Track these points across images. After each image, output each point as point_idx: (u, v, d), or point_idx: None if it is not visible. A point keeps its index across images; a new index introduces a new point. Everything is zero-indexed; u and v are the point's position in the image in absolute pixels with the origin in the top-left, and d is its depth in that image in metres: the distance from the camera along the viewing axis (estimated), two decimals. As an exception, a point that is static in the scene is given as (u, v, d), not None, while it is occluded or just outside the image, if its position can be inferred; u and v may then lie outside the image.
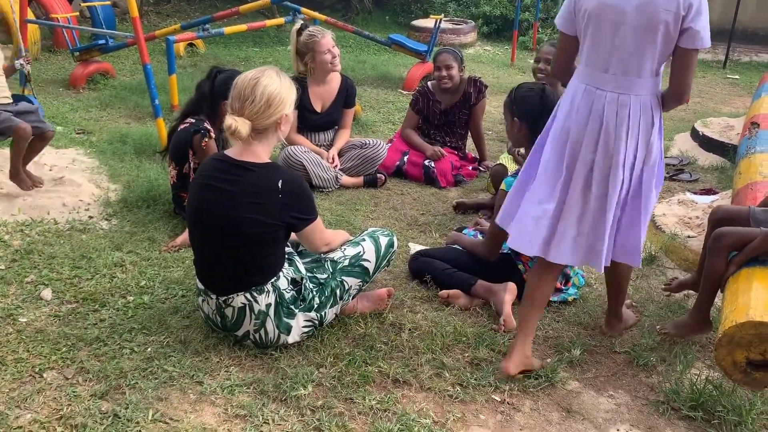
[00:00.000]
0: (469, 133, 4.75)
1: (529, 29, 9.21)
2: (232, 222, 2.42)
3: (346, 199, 4.11)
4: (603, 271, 2.48)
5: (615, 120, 2.27)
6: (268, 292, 2.50)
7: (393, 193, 4.28)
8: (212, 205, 2.45)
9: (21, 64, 4.11)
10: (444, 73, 4.44)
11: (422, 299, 3.02)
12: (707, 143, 5.11)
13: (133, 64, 7.00)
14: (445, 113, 4.55)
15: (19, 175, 3.72)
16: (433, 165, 4.39)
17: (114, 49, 6.13)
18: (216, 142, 3.39)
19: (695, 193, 4.31)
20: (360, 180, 4.32)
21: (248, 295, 2.49)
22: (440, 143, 4.59)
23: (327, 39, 4.16)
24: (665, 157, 5.01)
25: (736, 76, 8.18)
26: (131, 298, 2.88)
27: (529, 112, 2.87)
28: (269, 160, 2.49)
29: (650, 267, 3.42)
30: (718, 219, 2.82)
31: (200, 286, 2.59)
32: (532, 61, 8.31)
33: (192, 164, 3.40)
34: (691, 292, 3.06)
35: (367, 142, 4.38)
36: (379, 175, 4.35)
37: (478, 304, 2.97)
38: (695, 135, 5.30)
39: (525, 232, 2.42)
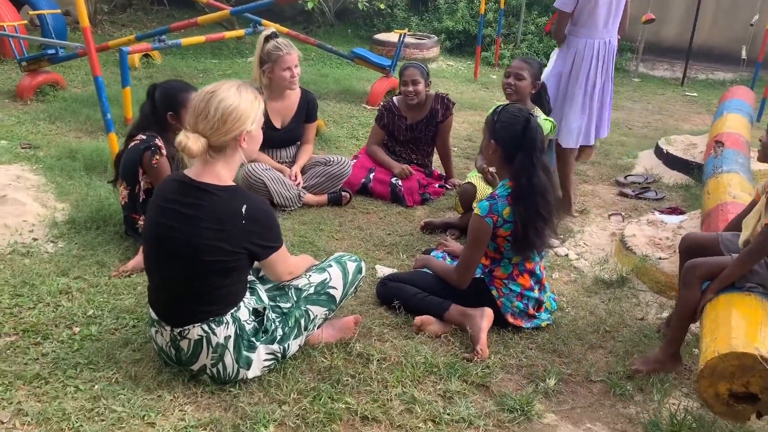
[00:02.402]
0: (436, 151, 4.65)
1: (492, 45, 9.21)
2: (191, 249, 2.24)
3: (309, 219, 3.95)
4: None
5: (608, 54, 4.00)
6: (228, 323, 2.33)
7: (358, 212, 4.13)
8: (170, 230, 2.27)
9: None
10: (410, 88, 4.33)
11: (391, 326, 2.88)
12: (671, 161, 5.12)
13: (85, 75, 6.71)
14: (410, 129, 4.44)
15: None
16: (400, 183, 4.27)
17: (64, 59, 5.85)
18: (170, 160, 3.20)
19: (662, 212, 4.28)
20: (324, 198, 4.17)
21: (206, 327, 2.31)
22: (406, 160, 4.48)
23: (292, 57, 4.00)
24: (630, 175, 5.03)
25: (695, 94, 8.31)
26: (77, 329, 2.66)
27: (509, 139, 2.76)
28: (232, 183, 2.32)
29: (622, 289, 3.35)
30: (687, 248, 2.77)
31: (153, 316, 2.40)
32: (494, 77, 8.32)
33: (143, 184, 3.21)
34: (664, 316, 3.00)
35: (332, 159, 4.24)
36: (343, 193, 4.21)
37: (450, 331, 2.84)
38: (659, 153, 5.31)
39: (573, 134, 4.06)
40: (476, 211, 2.77)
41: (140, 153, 3.16)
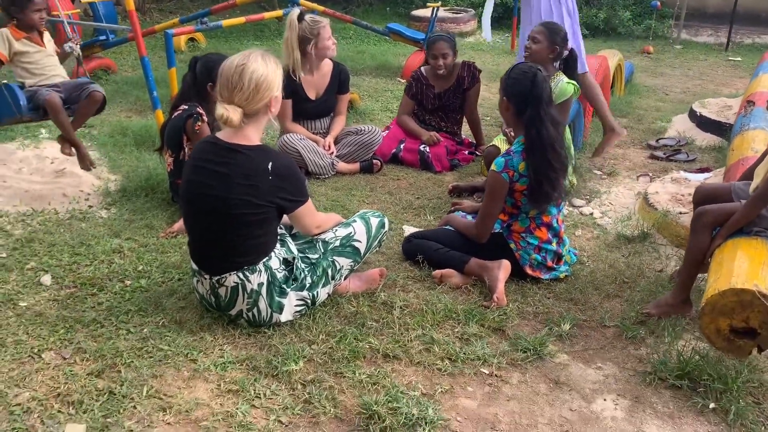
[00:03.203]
0: (465, 119, 4.77)
1: (530, 16, 9.19)
2: (224, 203, 2.46)
3: (342, 185, 4.15)
4: None
5: None
6: (260, 271, 2.55)
7: (389, 179, 4.31)
8: (204, 187, 2.50)
9: (71, 47, 4.15)
10: (440, 62, 4.46)
11: (415, 279, 3.06)
12: (705, 123, 5.11)
13: (134, 59, 7.06)
14: (438, 97, 4.58)
15: (67, 140, 3.85)
16: (428, 150, 4.43)
17: (115, 44, 6.21)
18: (209, 126, 3.44)
19: (690, 172, 4.32)
20: (356, 166, 4.36)
21: (240, 275, 2.54)
22: (435, 128, 4.62)
23: (328, 27, 4.22)
24: (662, 138, 5.05)
25: (738, 58, 8.14)
26: (129, 282, 2.93)
27: (518, 94, 2.90)
28: (260, 143, 2.53)
29: (643, 244, 3.44)
30: (700, 198, 2.85)
31: (194, 266, 2.64)
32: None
33: (187, 150, 3.46)
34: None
35: (363, 128, 4.42)
36: (375, 161, 4.39)
37: (470, 282, 3.00)
38: (693, 116, 5.30)
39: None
40: (492, 167, 2.91)
41: (184, 121, 3.41)
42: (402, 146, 4.53)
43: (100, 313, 2.69)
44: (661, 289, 3.02)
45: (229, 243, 2.52)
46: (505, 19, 9.58)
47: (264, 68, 2.46)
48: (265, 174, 2.45)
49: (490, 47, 8.51)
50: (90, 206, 3.69)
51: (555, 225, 3.02)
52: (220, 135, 2.53)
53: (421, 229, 3.50)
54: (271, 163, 2.46)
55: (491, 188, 2.93)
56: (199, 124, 3.37)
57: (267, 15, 6.71)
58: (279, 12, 6.88)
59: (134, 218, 3.54)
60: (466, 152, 4.63)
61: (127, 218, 3.54)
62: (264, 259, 2.56)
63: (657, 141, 5.01)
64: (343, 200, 3.89)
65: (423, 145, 4.45)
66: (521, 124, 2.90)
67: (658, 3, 8.52)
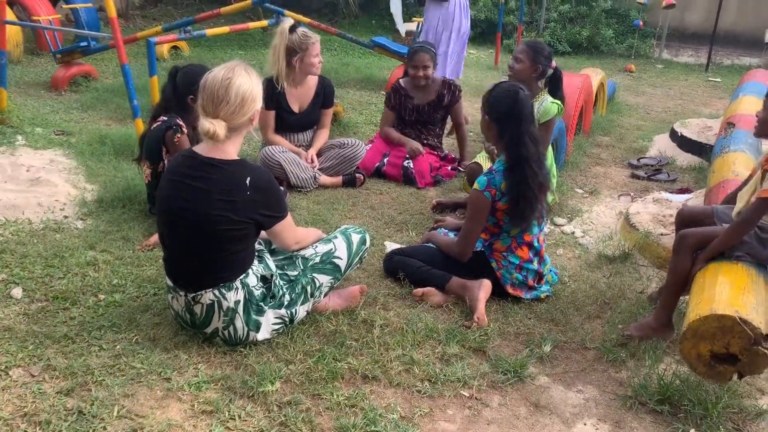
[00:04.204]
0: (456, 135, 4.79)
1: (514, 32, 9.26)
2: (201, 219, 2.41)
3: (324, 199, 4.11)
4: None
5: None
6: (237, 289, 2.50)
7: (371, 193, 4.28)
8: (180, 201, 2.45)
9: None
10: (420, 72, 4.46)
11: (395, 296, 3.02)
12: (685, 144, 5.16)
13: (116, 66, 6.98)
14: (417, 110, 4.58)
15: None
16: (411, 165, 4.41)
17: (96, 51, 6.12)
18: (189, 138, 3.39)
19: (671, 193, 4.34)
20: (339, 180, 4.33)
21: (216, 292, 2.48)
22: (414, 139, 4.62)
23: (318, 44, 4.19)
24: (644, 157, 5.08)
25: (718, 79, 8.26)
26: (102, 297, 2.86)
27: (500, 113, 2.89)
28: (237, 157, 2.49)
29: (624, 264, 3.44)
30: (683, 220, 2.85)
31: (169, 283, 2.58)
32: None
33: (166, 161, 3.40)
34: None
35: (346, 141, 4.39)
36: (357, 174, 4.36)
37: (451, 301, 2.97)
38: (674, 136, 5.35)
39: None
40: (475, 186, 2.90)
41: (163, 132, 3.35)
42: (386, 160, 4.51)
43: (72, 328, 2.62)
44: (642, 311, 3.01)
45: (205, 259, 2.47)
46: (488, 34, 9.64)
47: (249, 82, 2.43)
48: (243, 189, 2.41)
49: (474, 62, 8.55)
50: (65, 216, 3.61)
51: (536, 244, 3.01)
52: (197, 148, 2.48)
53: (402, 246, 3.47)
54: (249, 178, 2.41)
55: (473, 207, 2.91)
56: (179, 135, 3.32)
57: (252, 25, 6.68)
58: (264, 22, 6.85)
59: (110, 230, 3.47)
60: (449, 167, 4.62)
61: (103, 230, 3.47)
62: (241, 276, 2.51)
63: (638, 160, 5.05)
64: (324, 214, 3.85)
65: (406, 160, 4.43)
66: (503, 143, 2.89)
67: (641, 22, 8.63)
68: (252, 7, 6.47)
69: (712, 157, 4.17)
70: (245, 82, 2.41)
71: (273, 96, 4.19)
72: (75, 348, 2.49)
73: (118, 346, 2.52)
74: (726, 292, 2.29)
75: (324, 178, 4.28)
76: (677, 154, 5.14)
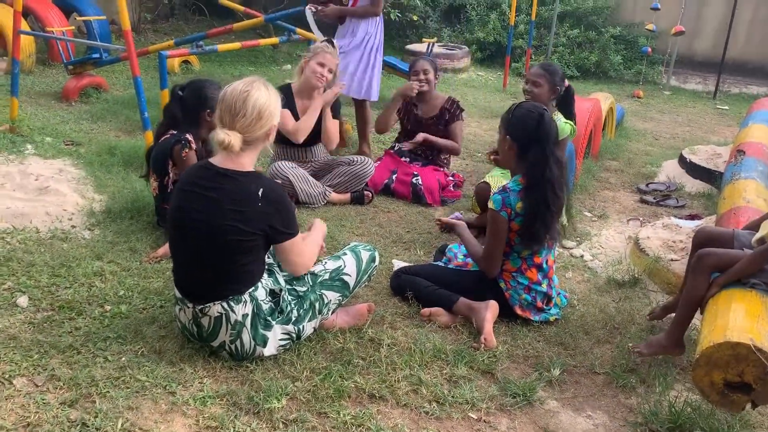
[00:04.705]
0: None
1: (522, 56, 9.30)
2: (211, 229, 2.40)
3: (332, 215, 4.10)
4: None
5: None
6: (245, 302, 2.48)
7: (380, 211, 4.27)
8: (193, 212, 2.44)
9: None
10: (422, 76, 4.51)
11: (403, 315, 3.00)
12: (694, 170, 5.15)
13: (127, 78, 7.01)
14: (419, 122, 4.61)
15: None
16: (420, 182, 4.40)
17: (107, 63, 6.14)
18: (197, 154, 3.38)
19: (680, 218, 4.32)
20: (347, 196, 4.32)
21: (225, 305, 2.46)
22: (415, 155, 4.65)
23: (330, 57, 4.19)
24: (652, 182, 5.07)
25: (726, 107, 8.27)
26: (108, 308, 2.84)
27: (523, 133, 2.87)
28: (252, 169, 2.48)
29: (633, 289, 3.41)
30: (701, 240, 2.82)
31: (178, 294, 2.56)
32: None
33: (172, 175, 3.40)
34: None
35: (355, 159, 4.39)
36: (366, 192, 4.35)
37: (459, 322, 2.94)
38: (683, 162, 5.34)
39: None
40: (490, 205, 2.88)
41: (171, 146, 3.35)
42: (394, 177, 4.50)
43: (77, 338, 2.60)
44: (651, 336, 2.97)
45: (215, 271, 2.45)
46: (497, 57, 9.69)
47: (266, 96, 2.44)
48: (254, 199, 2.40)
49: (482, 84, 8.58)
50: (73, 226, 3.60)
51: (545, 266, 2.98)
52: (213, 160, 2.48)
53: (410, 264, 3.45)
54: (261, 189, 2.41)
55: (493, 228, 2.89)
56: (186, 151, 3.31)
57: (263, 42, 6.71)
58: (275, 39, 6.86)
59: (118, 241, 3.46)
60: (451, 186, 4.59)
61: (111, 240, 3.45)
62: (250, 289, 2.49)
63: (647, 185, 5.03)
64: (332, 231, 3.83)
65: (415, 177, 4.43)
66: (523, 164, 2.87)
67: (649, 48, 8.67)
68: (264, 24, 6.51)
69: (723, 184, 4.16)
70: (263, 96, 2.43)
71: (286, 99, 4.22)
72: (80, 359, 2.47)
73: (123, 358, 2.50)
74: (740, 320, 2.26)
75: (333, 195, 4.27)
76: (686, 180, 5.13)
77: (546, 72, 3.87)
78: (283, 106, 4.19)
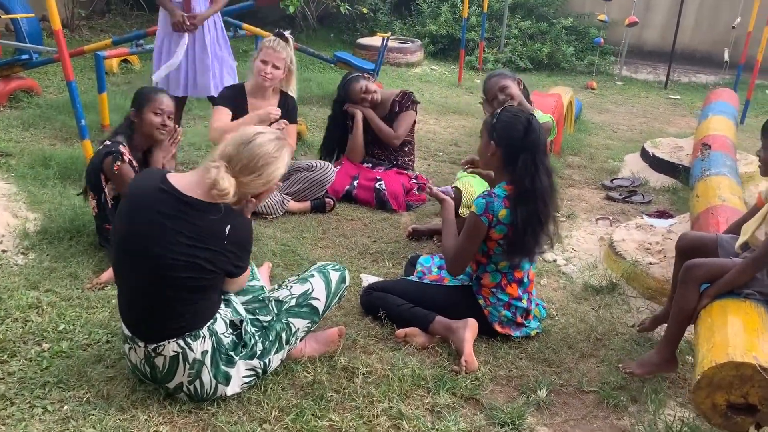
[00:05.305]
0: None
1: (475, 49, 9.17)
2: (165, 263, 2.12)
3: (292, 226, 3.84)
4: None
5: None
6: (204, 337, 2.22)
7: (342, 219, 4.04)
8: (144, 240, 2.14)
9: None
10: (368, 96, 4.32)
11: (377, 338, 2.78)
12: (658, 164, 5.08)
13: (61, 80, 6.54)
14: (369, 127, 4.39)
15: None
16: (384, 187, 4.18)
17: (39, 64, 5.71)
18: (136, 164, 3.08)
19: (650, 216, 4.23)
20: (307, 205, 4.07)
21: (181, 342, 2.20)
22: (377, 159, 4.46)
23: (272, 52, 3.88)
24: (617, 178, 4.98)
25: (678, 97, 8.31)
26: (47, 346, 2.53)
27: (510, 140, 2.66)
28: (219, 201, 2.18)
29: (612, 295, 3.28)
30: (685, 247, 2.70)
31: (126, 332, 2.28)
32: (478, 80, 8.26)
33: (107, 191, 3.08)
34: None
35: (314, 164, 4.13)
36: (327, 199, 4.11)
37: (436, 342, 2.75)
38: (645, 156, 5.27)
39: None
40: (472, 208, 2.67)
41: (101, 159, 3.04)
42: (356, 183, 4.27)
43: (11, 386, 2.29)
44: (636, 347, 2.85)
45: (167, 307, 2.18)
46: (450, 50, 9.53)
47: (283, 169, 2.27)
48: (220, 237, 2.13)
49: (437, 78, 8.40)
50: (3, 251, 3.24)
51: (525, 280, 2.81)
52: (175, 181, 2.19)
53: (380, 278, 3.24)
54: (229, 227, 2.14)
55: (470, 230, 2.68)
56: (118, 164, 3.00)
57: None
58: (221, 36, 6.54)
59: (56, 266, 3.12)
60: (416, 189, 4.38)
61: (48, 266, 3.12)
62: (209, 323, 2.23)
63: (611, 181, 4.94)
64: (293, 244, 3.58)
65: (378, 182, 4.20)
66: (509, 171, 2.67)
67: (601, 39, 8.64)
68: (208, 19, 6.15)
69: (692, 180, 4.07)
70: (282, 168, 2.25)
71: (235, 98, 3.92)
72: (14, 411, 2.17)
73: (65, 407, 2.21)
74: (740, 336, 2.13)
75: (292, 204, 4.01)
76: (649, 174, 5.06)
77: (507, 76, 3.74)
78: (235, 106, 3.95)
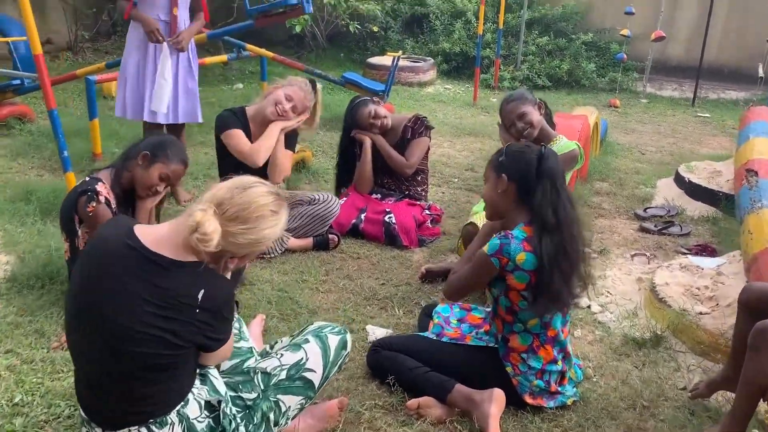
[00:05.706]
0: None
1: (491, 66, 8.79)
2: (122, 333, 1.74)
3: (291, 267, 3.45)
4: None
5: None
6: (172, 423, 1.83)
7: (347, 257, 3.64)
8: (100, 306, 1.76)
9: None
10: (377, 122, 3.94)
11: (384, 408, 2.37)
12: (695, 191, 4.65)
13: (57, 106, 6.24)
14: (380, 155, 4.01)
15: None
16: (394, 221, 3.79)
17: (31, 89, 5.42)
18: (114, 204, 2.71)
19: (691, 250, 3.80)
20: (309, 242, 3.68)
21: (145, 430, 1.80)
22: (388, 189, 4.08)
23: (300, 93, 3.56)
24: (651, 207, 4.56)
25: (707, 114, 7.86)
26: (-2, 424, 2.16)
27: (523, 171, 2.29)
28: (193, 258, 1.80)
29: (657, 350, 2.85)
30: (751, 302, 2.27)
31: (83, 414, 1.89)
32: (494, 99, 7.87)
33: (81, 234, 2.71)
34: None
35: (317, 197, 3.75)
36: (331, 235, 3.72)
37: (455, 416, 2.33)
38: (680, 181, 4.84)
39: None
40: (484, 248, 2.28)
41: (75, 198, 2.67)
42: (363, 216, 3.88)
43: (-56, 481, 1.91)
44: (691, 417, 2.42)
45: (126, 387, 1.79)
46: (464, 68, 9.16)
47: (280, 230, 1.91)
48: (191, 304, 1.74)
49: (451, 98, 8.02)
50: (-35, 302, 2.89)
51: (561, 339, 2.39)
52: (141, 234, 1.81)
53: (389, 331, 2.85)
54: (202, 291, 1.75)
55: (476, 267, 2.34)
56: (93, 204, 2.61)
57: (209, 60, 6.10)
58: (224, 57, 6.25)
59: (21, 321, 2.75)
60: (429, 221, 3.98)
61: (12, 321, 2.75)
62: (178, 407, 1.84)
63: (645, 210, 4.51)
64: (292, 289, 3.20)
65: (387, 215, 3.81)
66: (526, 208, 2.28)
67: (624, 55, 8.23)
68: (208, 40, 5.86)
69: (740, 213, 3.64)
70: (280, 227, 1.90)
71: (239, 121, 3.58)
72: None
73: None
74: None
75: (292, 241, 3.62)
76: (686, 202, 4.62)
77: (518, 100, 3.35)
78: (239, 126, 3.60)
